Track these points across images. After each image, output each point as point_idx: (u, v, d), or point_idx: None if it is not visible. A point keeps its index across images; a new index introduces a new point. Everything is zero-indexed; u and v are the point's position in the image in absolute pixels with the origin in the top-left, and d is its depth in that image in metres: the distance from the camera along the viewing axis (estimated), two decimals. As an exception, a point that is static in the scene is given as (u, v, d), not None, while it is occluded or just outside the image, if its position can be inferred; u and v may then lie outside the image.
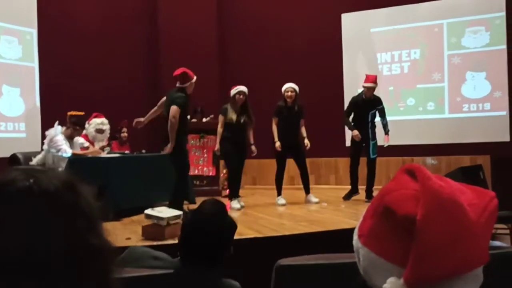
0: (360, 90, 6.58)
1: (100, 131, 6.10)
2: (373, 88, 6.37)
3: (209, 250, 1.77)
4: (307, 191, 6.33)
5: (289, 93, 6.16)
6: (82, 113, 6.27)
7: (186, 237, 1.81)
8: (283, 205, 6.16)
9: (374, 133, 6.40)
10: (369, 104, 6.38)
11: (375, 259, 0.79)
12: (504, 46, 7.53)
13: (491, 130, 7.53)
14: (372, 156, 6.37)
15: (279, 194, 6.32)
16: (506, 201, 5.54)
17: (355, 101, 6.48)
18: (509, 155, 7.00)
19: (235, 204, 5.96)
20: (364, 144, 6.35)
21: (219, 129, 6.04)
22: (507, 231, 5.23)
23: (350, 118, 6.44)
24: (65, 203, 0.62)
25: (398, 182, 0.83)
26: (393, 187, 0.82)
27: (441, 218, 0.73)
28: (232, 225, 1.86)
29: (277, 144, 6.16)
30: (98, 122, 6.14)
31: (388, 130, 6.44)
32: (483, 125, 7.61)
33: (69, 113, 6.18)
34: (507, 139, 7.42)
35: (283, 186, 6.43)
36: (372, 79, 6.39)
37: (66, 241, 0.60)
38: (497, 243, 1.99)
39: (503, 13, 7.54)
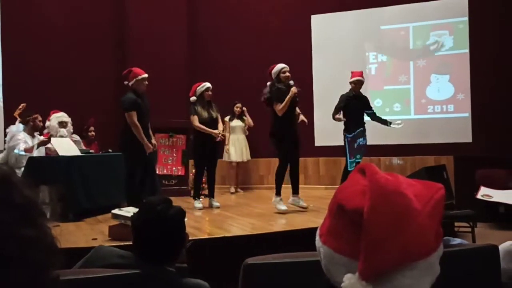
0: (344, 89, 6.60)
1: (62, 123, 6.24)
2: (360, 82, 6.37)
3: (163, 242, 1.75)
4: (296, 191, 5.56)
5: (288, 73, 5.66)
6: (23, 104, 6.24)
7: (138, 234, 1.79)
8: (285, 211, 5.28)
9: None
10: (361, 101, 6.39)
11: (333, 255, 0.83)
12: (467, 50, 7.75)
13: (454, 131, 7.74)
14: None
15: (278, 193, 5.39)
16: (468, 200, 5.72)
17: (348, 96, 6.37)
18: (472, 156, 7.21)
19: (196, 204, 5.91)
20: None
21: (199, 125, 5.82)
22: (469, 229, 5.38)
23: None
24: None
25: (350, 181, 0.88)
26: (345, 186, 0.88)
27: (386, 209, 0.77)
28: (179, 211, 1.83)
29: None
30: (58, 116, 6.31)
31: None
32: (447, 126, 7.82)
33: (15, 114, 6.15)
34: (470, 140, 7.64)
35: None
36: (359, 74, 6.41)
37: None
38: (458, 240, 2.06)
39: (466, 18, 7.76)
